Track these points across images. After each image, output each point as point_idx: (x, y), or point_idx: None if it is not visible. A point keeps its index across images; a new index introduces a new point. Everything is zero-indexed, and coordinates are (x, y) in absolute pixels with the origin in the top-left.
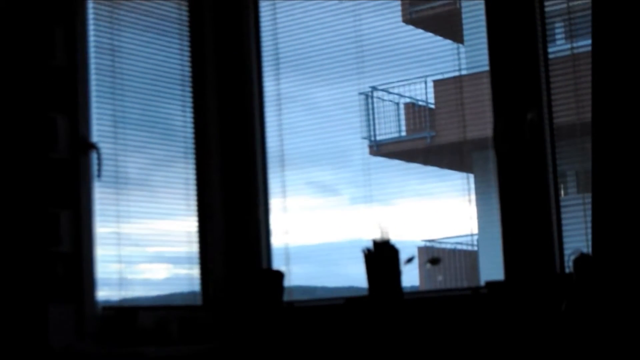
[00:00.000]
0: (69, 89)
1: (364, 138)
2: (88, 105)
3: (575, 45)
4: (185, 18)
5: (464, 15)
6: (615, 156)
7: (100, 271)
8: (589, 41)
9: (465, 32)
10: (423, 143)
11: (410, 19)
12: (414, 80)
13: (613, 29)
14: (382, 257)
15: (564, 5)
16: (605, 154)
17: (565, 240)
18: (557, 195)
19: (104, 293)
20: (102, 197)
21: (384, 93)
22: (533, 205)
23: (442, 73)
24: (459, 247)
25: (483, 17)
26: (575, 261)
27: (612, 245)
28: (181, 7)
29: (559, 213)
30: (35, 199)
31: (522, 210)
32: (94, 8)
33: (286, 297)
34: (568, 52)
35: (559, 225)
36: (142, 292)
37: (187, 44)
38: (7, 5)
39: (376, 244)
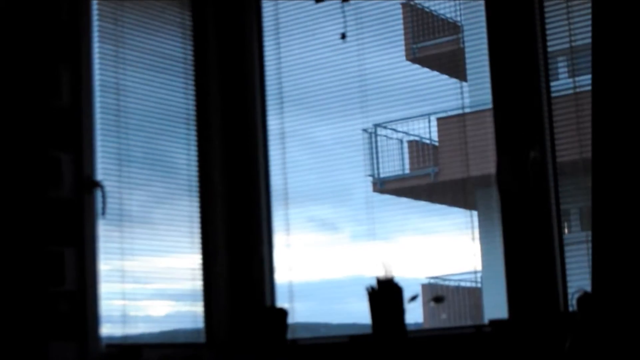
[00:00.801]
0: (74, 128)
1: (368, 175)
2: (93, 144)
3: (577, 81)
4: (190, 57)
5: (467, 54)
6: (615, 194)
7: (104, 308)
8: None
9: (468, 70)
10: (427, 180)
11: (414, 58)
12: (417, 118)
13: (613, 67)
14: (386, 295)
15: (567, 45)
16: (605, 192)
17: (569, 278)
18: (561, 233)
19: (107, 330)
20: (106, 234)
21: (388, 130)
22: (536, 243)
23: (445, 111)
24: (462, 284)
25: (486, 55)
26: (579, 300)
27: (612, 284)
28: (186, 46)
29: (562, 251)
30: (40, 237)
31: (525, 248)
32: (99, 47)
33: (290, 335)
34: (570, 90)
35: (563, 263)
36: (146, 329)
37: (192, 82)
38: (13, 44)
39: (380, 281)
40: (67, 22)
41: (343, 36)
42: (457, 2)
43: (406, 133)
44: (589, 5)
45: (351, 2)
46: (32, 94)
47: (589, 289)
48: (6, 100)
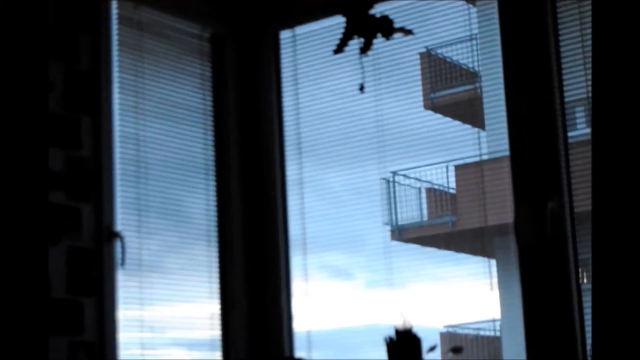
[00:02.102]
0: (95, 178)
1: (386, 223)
2: (113, 194)
3: None
4: (210, 107)
5: (484, 102)
6: (615, 245)
7: (122, 357)
8: None
9: (486, 118)
10: (445, 228)
11: (431, 105)
12: (435, 166)
13: (612, 118)
14: (404, 346)
15: (584, 94)
16: (606, 244)
17: (587, 328)
18: (579, 282)
19: None
20: (125, 283)
21: (406, 178)
22: (555, 293)
23: (463, 158)
24: (481, 333)
25: (503, 103)
26: None
27: (613, 339)
28: (205, 97)
29: (580, 300)
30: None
31: (543, 298)
32: (120, 99)
33: None
34: (588, 137)
35: (581, 313)
36: None
37: (211, 132)
38: (34, 93)
39: (398, 332)
40: (88, 74)
41: (361, 88)
42: (475, 50)
43: (424, 181)
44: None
45: (369, 53)
46: (55, 146)
47: None
48: (27, 151)
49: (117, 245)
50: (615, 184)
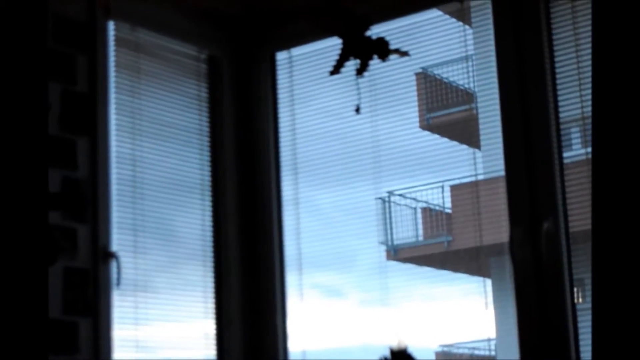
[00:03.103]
0: (91, 199)
1: (381, 243)
2: (108, 215)
3: (590, 150)
4: (206, 128)
5: (480, 122)
6: (615, 264)
7: None
8: None
9: (482, 138)
10: (440, 248)
11: (427, 126)
12: (431, 185)
13: (612, 136)
14: None
15: (579, 114)
16: (606, 262)
17: (582, 348)
18: (574, 303)
19: None
20: (120, 303)
21: (401, 198)
22: (550, 313)
23: (459, 178)
24: (476, 352)
25: (499, 123)
26: None
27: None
28: (202, 118)
29: (575, 321)
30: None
31: (538, 318)
32: (116, 119)
33: None
34: (583, 158)
35: (576, 333)
36: None
37: (207, 152)
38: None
39: (393, 352)
40: (84, 94)
41: (357, 109)
42: (471, 70)
43: (420, 201)
44: None
45: (365, 74)
46: (50, 166)
47: None
48: (23, 173)
49: (113, 265)
50: (615, 202)
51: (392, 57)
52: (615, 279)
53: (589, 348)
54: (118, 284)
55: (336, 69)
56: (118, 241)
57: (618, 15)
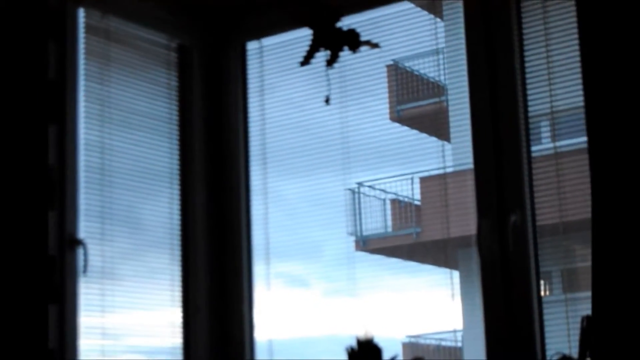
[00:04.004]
0: (58, 186)
1: (350, 234)
2: (76, 202)
3: (558, 144)
4: (175, 116)
5: (450, 115)
6: (616, 254)
7: None
8: (572, 140)
9: (451, 130)
10: (409, 239)
11: (398, 118)
12: (400, 177)
13: (607, 125)
14: (365, 355)
15: (548, 109)
16: (606, 252)
17: (547, 340)
18: (540, 295)
19: None
20: (87, 290)
21: (371, 189)
22: (516, 305)
23: (428, 170)
24: (443, 343)
25: (469, 116)
26: None
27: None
28: (171, 106)
29: (541, 313)
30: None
31: (505, 310)
32: (85, 107)
33: None
34: (552, 152)
35: (541, 325)
36: None
37: (177, 141)
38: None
39: (360, 342)
40: (54, 82)
41: (327, 100)
42: (442, 63)
43: (389, 192)
44: (569, 70)
45: (335, 65)
46: (20, 154)
47: (567, 351)
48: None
49: (80, 252)
50: (615, 191)
51: (363, 48)
52: (615, 267)
53: (555, 340)
54: (85, 271)
55: (306, 60)
56: (85, 228)
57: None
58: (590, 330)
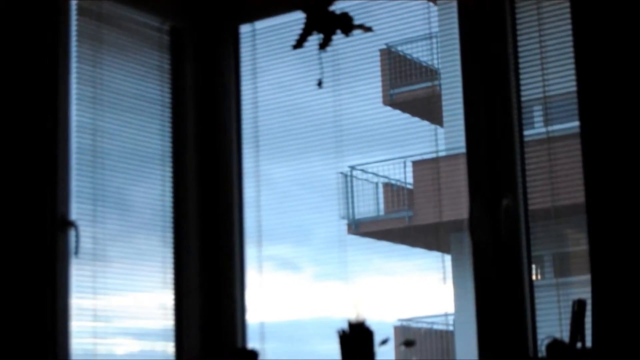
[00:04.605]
0: (50, 168)
1: (342, 217)
2: (68, 184)
3: (550, 130)
4: (168, 99)
5: (443, 99)
6: (612, 236)
7: (75, 345)
8: (564, 125)
9: (444, 115)
10: (402, 223)
11: (391, 101)
12: (393, 161)
13: (599, 110)
14: (357, 338)
15: (541, 94)
16: (602, 235)
17: (539, 324)
18: (531, 279)
19: None
20: (78, 272)
21: (363, 173)
22: (507, 289)
23: (421, 154)
24: (435, 327)
25: (461, 100)
26: (548, 346)
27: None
28: (164, 89)
29: (532, 297)
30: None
31: (496, 294)
32: (77, 89)
33: None
34: (544, 137)
35: (533, 309)
36: None
37: (169, 123)
38: None
39: (351, 325)
40: (46, 64)
41: (319, 83)
42: (435, 48)
43: (382, 176)
44: (562, 55)
45: (328, 49)
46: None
47: (558, 335)
48: None
49: (71, 234)
50: (607, 175)
51: (356, 32)
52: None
53: (546, 324)
54: (76, 253)
55: (299, 43)
56: (77, 210)
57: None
58: (581, 314)
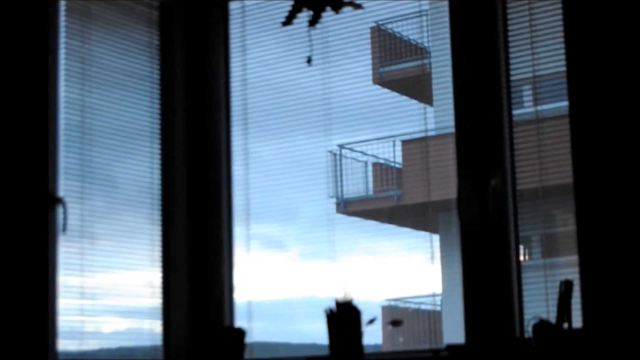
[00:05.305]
0: (38, 144)
1: (331, 196)
2: (56, 160)
3: (539, 110)
4: (157, 75)
5: (433, 78)
6: (600, 217)
7: (62, 324)
8: (553, 105)
9: (434, 94)
10: (390, 202)
11: (380, 80)
12: (383, 140)
13: (589, 91)
14: (344, 317)
15: (530, 74)
16: (590, 215)
17: (525, 305)
18: (519, 260)
19: (64, 345)
20: (66, 249)
21: (352, 152)
22: (494, 270)
23: (410, 133)
24: (423, 307)
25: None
26: (535, 326)
27: (602, 314)
28: (153, 65)
29: (519, 278)
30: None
31: (483, 274)
32: (66, 65)
33: (248, 355)
34: (533, 117)
35: (520, 289)
36: (103, 345)
37: (158, 100)
38: None
39: (339, 304)
40: (35, 40)
41: (309, 60)
42: (425, 26)
43: (371, 155)
44: (552, 36)
45: (318, 26)
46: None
47: (544, 316)
48: None
49: (59, 211)
50: (596, 157)
51: (346, 10)
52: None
53: (533, 305)
54: (64, 230)
55: (288, 20)
56: (65, 187)
57: None
58: (568, 294)
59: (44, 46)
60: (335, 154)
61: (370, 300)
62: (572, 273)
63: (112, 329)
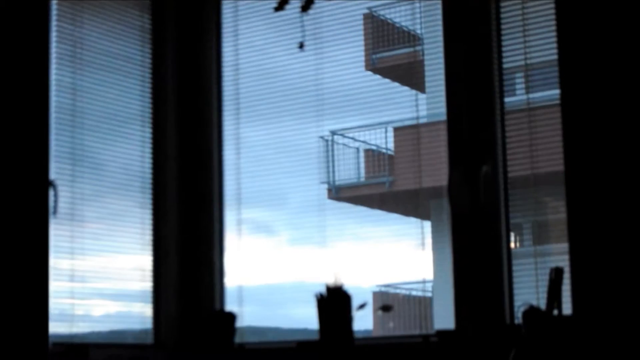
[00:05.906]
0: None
1: (323, 182)
2: (47, 143)
3: (531, 98)
4: (148, 59)
5: (426, 66)
6: (590, 204)
7: (52, 306)
8: (545, 93)
9: (427, 81)
10: (382, 188)
11: (374, 68)
12: (375, 127)
13: (581, 79)
14: (334, 302)
15: (522, 62)
16: (581, 203)
17: (515, 292)
18: (509, 247)
19: (55, 328)
20: (57, 233)
21: (344, 138)
22: (485, 256)
23: (402, 120)
24: (413, 293)
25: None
26: (525, 313)
27: (592, 300)
28: (144, 49)
29: (510, 265)
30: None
31: (474, 261)
32: (57, 48)
33: (238, 339)
34: (524, 105)
35: (510, 276)
36: (94, 328)
37: (149, 84)
38: None
39: (329, 289)
40: (26, 22)
41: (301, 45)
42: (418, 13)
43: (363, 141)
44: (544, 24)
45: (310, 12)
46: None
47: (535, 302)
48: None
49: (50, 194)
50: (587, 145)
51: None
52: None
53: (523, 292)
54: (55, 212)
55: (281, 5)
56: (56, 170)
57: None
58: (558, 281)
59: (35, 29)
60: (327, 140)
61: (361, 285)
62: (563, 260)
63: (102, 312)
